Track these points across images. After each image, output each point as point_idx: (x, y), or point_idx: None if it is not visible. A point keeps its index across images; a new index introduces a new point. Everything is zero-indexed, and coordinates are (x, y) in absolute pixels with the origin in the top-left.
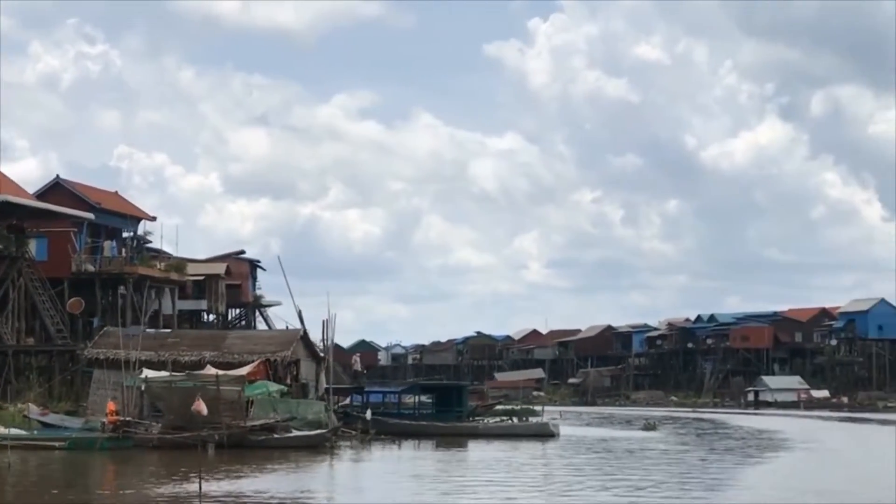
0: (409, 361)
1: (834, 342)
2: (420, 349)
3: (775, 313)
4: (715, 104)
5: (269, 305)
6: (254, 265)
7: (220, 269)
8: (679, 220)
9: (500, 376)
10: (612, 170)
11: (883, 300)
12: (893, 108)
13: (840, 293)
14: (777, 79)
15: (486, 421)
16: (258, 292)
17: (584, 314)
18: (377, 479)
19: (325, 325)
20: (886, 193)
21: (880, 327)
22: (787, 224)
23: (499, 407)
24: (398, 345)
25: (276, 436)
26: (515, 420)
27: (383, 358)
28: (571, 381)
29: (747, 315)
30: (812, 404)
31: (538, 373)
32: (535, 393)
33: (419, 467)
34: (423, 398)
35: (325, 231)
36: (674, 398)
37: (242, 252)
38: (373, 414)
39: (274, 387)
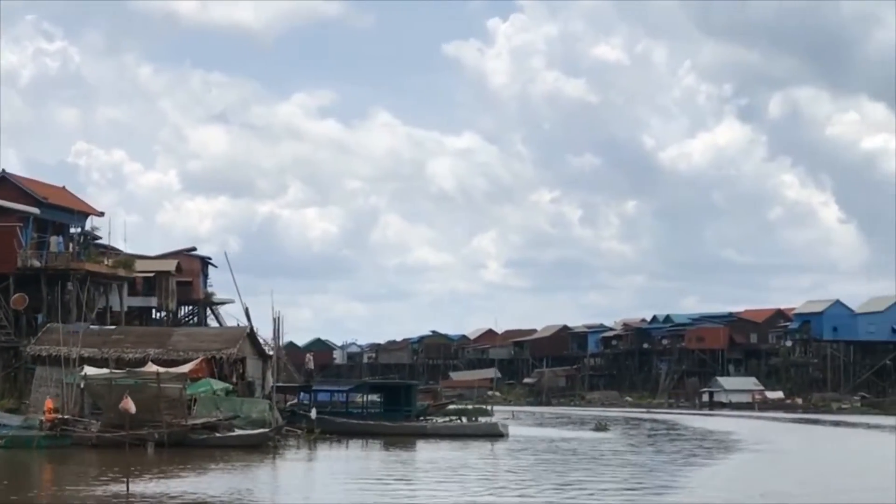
0: (365, 360)
1: (789, 343)
2: (376, 348)
3: (731, 314)
4: (674, 105)
5: (222, 303)
6: (205, 262)
7: (170, 265)
8: (637, 221)
9: (455, 376)
10: (570, 170)
11: (838, 301)
12: (851, 111)
13: (797, 294)
14: (736, 80)
15: (434, 421)
16: (209, 289)
17: (543, 314)
18: (316, 479)
19: (276, 322)
20: (843, 195)
21: (835, 329)
22: (744, 225)
23: (451, 406)
24: (354, 344)
25: (217, 435)
26: (465, 420)
27: (339, 357)
28: (526, 380)
29: (703, 316)
30: (766, 405)
31: (493, 372)
32: (489, 393)
33: (361, 468)
34: (373, 397)
35: (283, 229)
36: (628, 398)
37: (193, 249)
38: (320, 413)
39: (219, 385)
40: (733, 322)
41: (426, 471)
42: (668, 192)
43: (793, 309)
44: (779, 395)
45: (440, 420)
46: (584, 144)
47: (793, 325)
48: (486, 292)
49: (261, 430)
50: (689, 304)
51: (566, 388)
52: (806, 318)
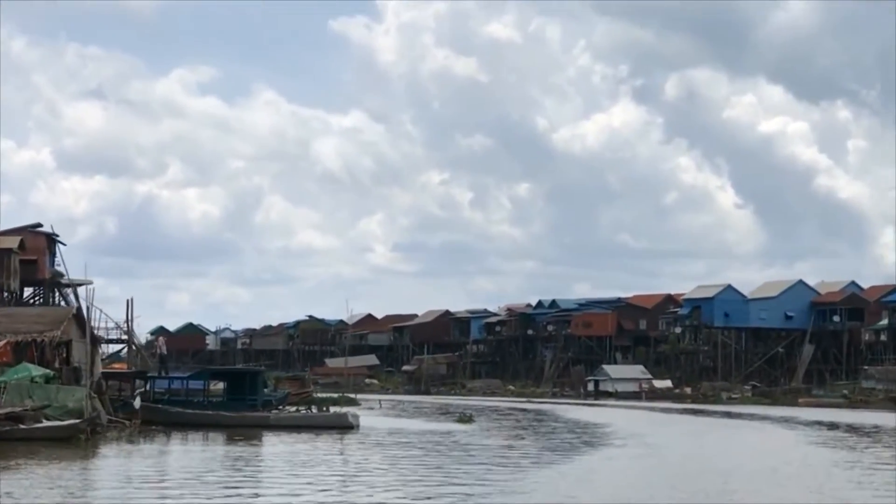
0: (239, 346)
1: (678, 330)
2: (250, 333)
3: (619, 299)
4: (567, 85)
5: (78, 284)
6: (52, 239)
7: (12, 242)
8: (529, 204)
9: (331, 363)
10: (460, 151)
11: (729, 286)
12: (749, 93)
13: (692, 281)
14: (631, 60)
15: (280, 410)
16: (57, 268)
17: (430, 300)
18: (110, 479)
19: (128, 306)
20: (740, 180)
21: (726, 315)
22: (639, 209)
23: (321, 395)
24: (228, 329)
25: (22, 426)
26: (315, 410)
27: (212, 343)
28: (405, 368)
29: (590, 301)
30: (654, 395)
31: (372, 359)
32: (367, 381)
33: (176, 464)
34: (218, 386)
35: (162, 210)
36: (511, 387)
37: (39, 225)
38: (156, 402)
39: (38, 371)
40: (622, 308)
41: (242, 466)
42: (561, 174)
43: (682, 295)
44: (667, 384)
45: (290, 410)
46: (474, 125)
47: (683, 311)
48: (372, 277)
49: (70, 422)
50: (581, 290)
51: (447, 375)
52: (696, 304)
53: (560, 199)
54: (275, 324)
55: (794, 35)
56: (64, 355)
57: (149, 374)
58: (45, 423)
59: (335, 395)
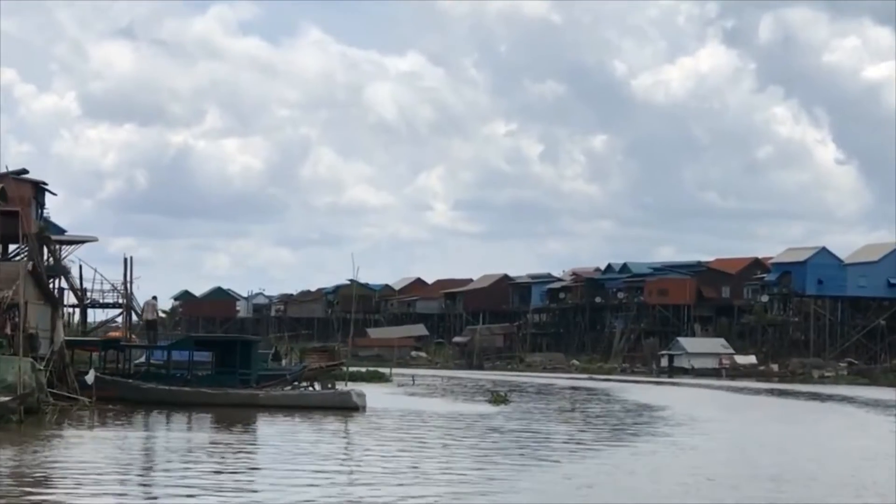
0: (273, 313)
1: (766, 298)
2: (286, 299)
3: (699, 263)
4: (649, 26)
5: (80, 241)
6: (40, 188)
7: None
8: (606, 159)
9: (374, 333)
10: (529, 99)
11: (824, 249)
12: (852, 35)
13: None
14: None
15: (278, 389)
16: (46, 220)
17: (495, 264)
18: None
19: (126, 266)
20: (842, 132)
21: (820, 281)
22: (729, 165)
23: (352, 369)
24: (261, 294)
25: None
26: (318, 387)
27: (242, 309)
28: (457, 339)
29: (666, 265)
30: (736, 372)
31: (420, 329)
32: (413, 353)
33: (93, 456)
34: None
35: (199, 163)
36: (576, 362)
37: (25, 171)
38: (133, 376)
39: None
40: (702, 273)
41: (199, 459)
42: (641, 125)
43: (772, 259)
44: (751, 359)
45: (287, 388)
46: (545, 70)
47: (770, 278)
48: (431, 238)
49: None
50: (664, 254)
51: (504, 348)
52: (786, 269)
53: (640, 152)
54: (314, 289)
55: None
56: (15, 319)
57: (122, 343)
58: None
59: (363, 370)
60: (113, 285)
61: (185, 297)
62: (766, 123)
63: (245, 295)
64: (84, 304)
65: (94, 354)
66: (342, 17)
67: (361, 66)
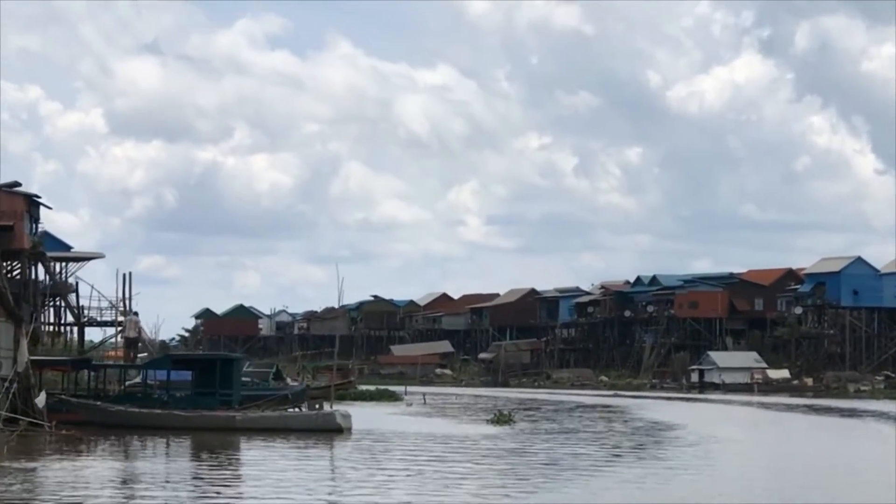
0: (296, 331)
1: (799, 310)
2: (309, 317)
3: (731, 275)
4: (684, 36)
5: (87, 258)
6: (33, 201)
7: None
8: (641, 171)
9: (398, 350)
10: (563, 111)
11: (859, 259)
12: (889, 43)
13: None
14: (756, 7)
15: (257, 411)
16: (42, 235)
17: (525, 279)
18: None
19: (125, 281)
20: (881, 142)
21: (855, 292)
22: (766, 176)
23: (365, 388)
24: (284, 311)
25: None
26: (305, 409)
27: (265, 327)
28: (482, 356)
29: (697, 277)
30: (769, 387)
31: (444, 346)
32: (437, 371)
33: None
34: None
35: (227, 180)
36: (604, 379)
37: (17, 184)
38: (106, 398)
39: None
40: (734, 285)
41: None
42: (677, 137)
43: (805, 269)
44: (784, 374)
45: (268, 410)
46: (578, 81)
47: (804, 289)
48: (464, 253)
49: None
50: (700, 267)
51: (531, 364)
52: (820, 280)
53: (676, 164)
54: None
55: None
56: None
57: (94, 363)
58: None
59: (373, 389)
60: (111, 302)
61: (206, 316)
62: (803, 134)
63: (268, 313)
64: (81, 322)
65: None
66: (371, 31)
67: (391, 80)
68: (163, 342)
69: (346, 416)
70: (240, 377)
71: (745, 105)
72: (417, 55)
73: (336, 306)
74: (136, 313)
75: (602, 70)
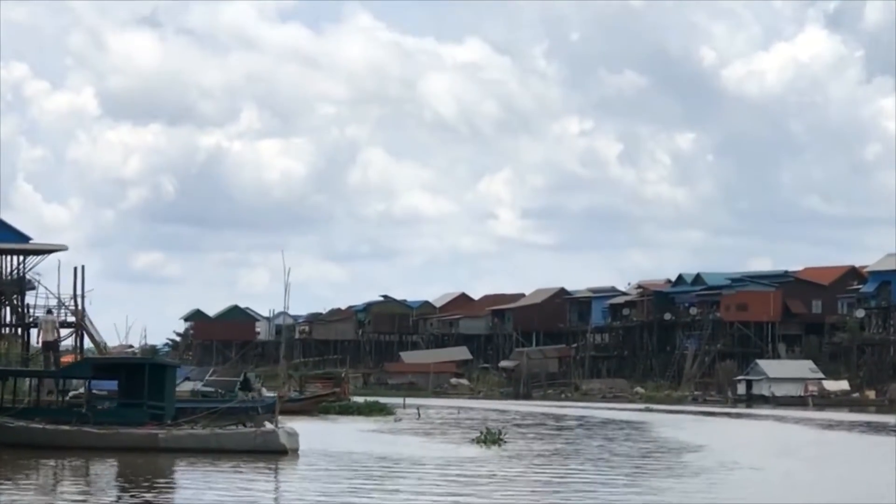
0: (297, 335)
1: (861, 313)
2: (312, 319)
3: (785, 273)
4: (741, 8)
5: (44, 251)
6: None
7: None
8: (694, 159)
9: (409, 357)
10: (607, 92)
11: None
12: None
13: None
14: None
15: (186, 428)
16: None
17: (562, 279)
18: None
19: (77, 275)
20: None
21: None
22: (831, 166)
23: (356, 399)
24: (284, 313)
25: None
26: (247, 426)
27: (263, 331)
28: (503, 364)
29: (746, 276)
30: (825, 401)
31: (462, 352)
32: (453, 380)
33: None
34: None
35: (233, 167)
36: (640, 390)
37: None
38: (9, 411)
39: None
40: (789, 284)
41: None
42: (733, 121)
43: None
44: (843, 385)
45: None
46: (624, 60)
47: (867, 288)
48: (496, 250)
49: None
50: (758, 266)
51: (559, 374)
52: (884, 279)
53: (732, 152)
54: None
55: None
56: None
57: (3, 369)
58: None
59: (361, 402)
60: (61, 301)
61: (197, 318)
62: (874, 118)
63: (266, 314)
64: (25, 323)
65: None
66: (393, 1)
67: (416, 57)
68: (153, 347)
69: (293, 436)
70: (173, 386)
71: (810, 86)
72: (445, 29)
73: (341, 307)
74: (50, 312)
75: (651, 47)
